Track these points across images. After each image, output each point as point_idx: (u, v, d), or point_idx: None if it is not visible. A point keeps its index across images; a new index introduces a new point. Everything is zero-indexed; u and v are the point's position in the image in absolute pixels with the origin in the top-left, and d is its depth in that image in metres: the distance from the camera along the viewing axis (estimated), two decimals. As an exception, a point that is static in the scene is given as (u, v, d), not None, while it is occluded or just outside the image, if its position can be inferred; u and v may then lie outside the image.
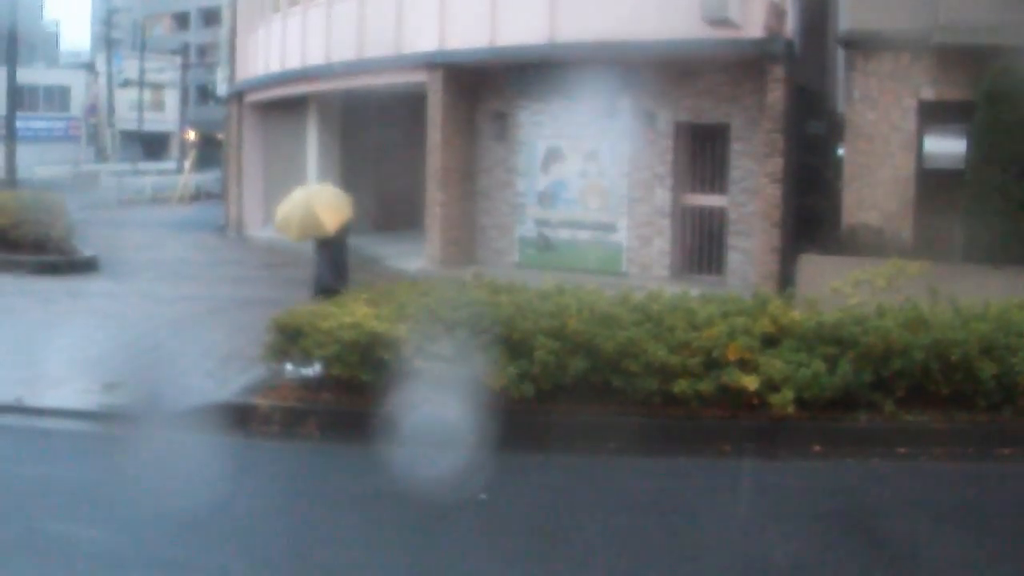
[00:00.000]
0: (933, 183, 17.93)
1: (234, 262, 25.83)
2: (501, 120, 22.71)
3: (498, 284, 11.99)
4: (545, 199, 22.24)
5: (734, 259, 20.01)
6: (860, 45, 18.39)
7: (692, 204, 20.87)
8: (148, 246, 28.92)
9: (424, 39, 22.48)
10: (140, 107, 73.74)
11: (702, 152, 20.79)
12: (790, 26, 19.70)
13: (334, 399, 10.71)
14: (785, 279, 17.30)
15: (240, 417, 10.64)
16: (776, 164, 18.42)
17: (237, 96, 32.24)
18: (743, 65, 19.35)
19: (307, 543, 7.42)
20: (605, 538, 7.60)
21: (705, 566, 7.15)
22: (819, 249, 17.78)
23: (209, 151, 59.48)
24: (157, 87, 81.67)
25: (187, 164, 51.87)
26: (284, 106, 29.98)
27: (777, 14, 19.00)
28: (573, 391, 10.30)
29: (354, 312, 10.89)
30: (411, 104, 24.36)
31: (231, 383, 11.66)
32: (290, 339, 10.90)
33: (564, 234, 22.01)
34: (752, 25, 18.55)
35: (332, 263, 13.83)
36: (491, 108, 22.96)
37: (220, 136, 46.25)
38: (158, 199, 48.72)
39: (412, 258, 23.16)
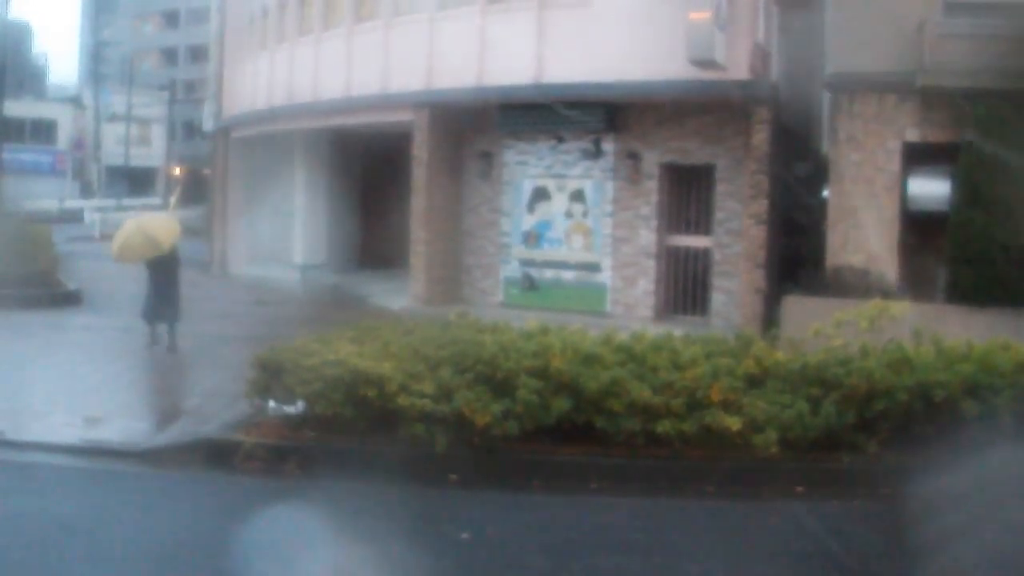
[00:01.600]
0: (917, 225, 17.99)
1: (217, 298, 25.68)
2: (487, 159, 22.74)
3: (482, 323, 12.00)
4: (530, 239, 22.25)
5: (718, 300, 20.03)
6: (845, 87, 18.49)
7: (677, 245, 20.90)
8: (132, 281, 28.53)
9: (411, 78, 22.52)
10: (127, 142, 73.72)
11: (687, 193, 20.83)
12: (774, 68, 19.85)
13: (317, 436, 10.65)
14: (769, 320, 17.32)
15: (222, 453, 10.59)
16: (761, 205, 18.47)
17: (223, 132, 32.25)
18: (728, 107, 19.41)
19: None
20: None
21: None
22: (803, 290, 17.81)
23: (193, 187, 59.41)
24: (144, 122, 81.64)
25: (172, 200, 51.76)
26: (270, 142, 29.99)
27: (762, 56, 19.12)
28: (556, 430, 10.28)
29: (338, 350, 10.87)
30: (398, 142, 24.41)
31: (214, 419, 11.63)
32: (273, 376, 10.87)
33: (549, 274, 22.02)
34: (737, 67, 18.63)
35: (160, 288, 17.00)
36: (477, 147, 23.01)
37: (206, 172, 46.22)
38: (143, 235, 48.51)
39: (396, 296, 23.14)
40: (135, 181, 78.12)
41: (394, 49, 23.48)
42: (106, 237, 45.50)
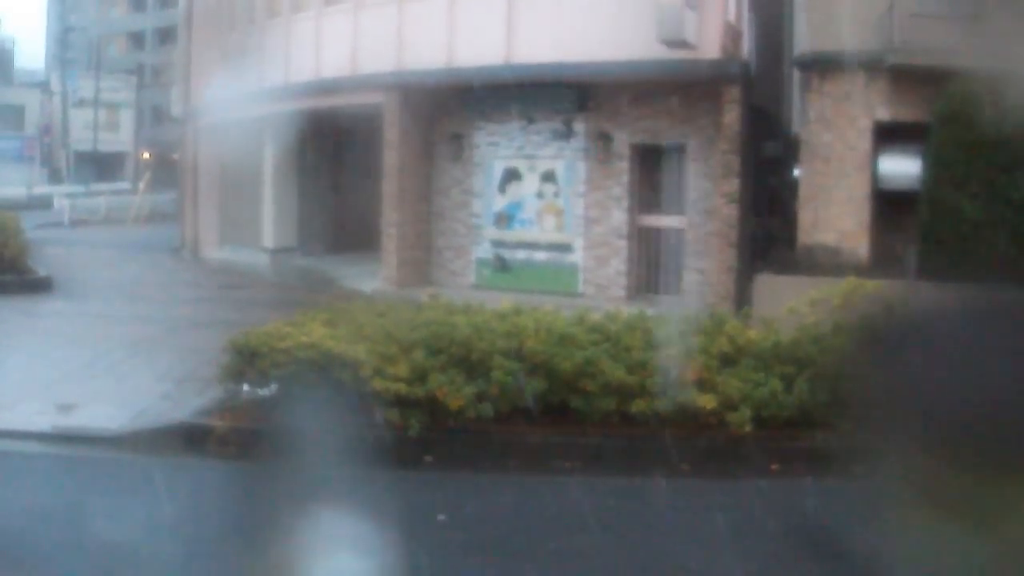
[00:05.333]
0: (889, 203, 18.06)
1: (189, 283, 25.63)
2: (457, 141, 22.67)
3: (454, 305, 11.97)
4: (501, 220, 22.19)
5: (691, 279, 20.03)
6: (815, 66, 18.53)
7: (648, 225, 20.87)
8: (103, 266, 28.65)
9: (381, 60, 22.39)
10: (95, 127, 73.19)
11: (658, 173, 20.80)
12: (745, 47, 19.86)
13: (290, 420, 10.61)
14: (742, 299, 17.33)
15: (196, 438, 10.58)
16: (732, 185, 18.48)
17: (192, 116, 32.03)
18: (699, 86, 19.38)
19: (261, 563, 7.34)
20: (564, 557, 7.58)
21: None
22: (775, 269, 17.84)
23: (163, 172, 59.01)
24: (112, 107, 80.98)
25: (141, 185, 51.41)
26: (240, 126, 29.74)
27: (732, 35, 19.12)
28: (530, 411, 10.28)
29: (311, 332, 10.82)
30: (368, 125, 24.28)
31: (187, 404, 11.60)
32: (246, 360, 10.82)
33: (520, 255, 21.96)
34: (708, 46, 18.61)
35: None
36: (447, 129, 22.91)
37: (175, 157, 45.92)
38: (112, 219, 48.29)
39: (367, 279, 23.06)
40: (104, 166, 77.54)
41: (364, 31, 23.34)
42: (76, 223, 45.41)
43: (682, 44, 18.10)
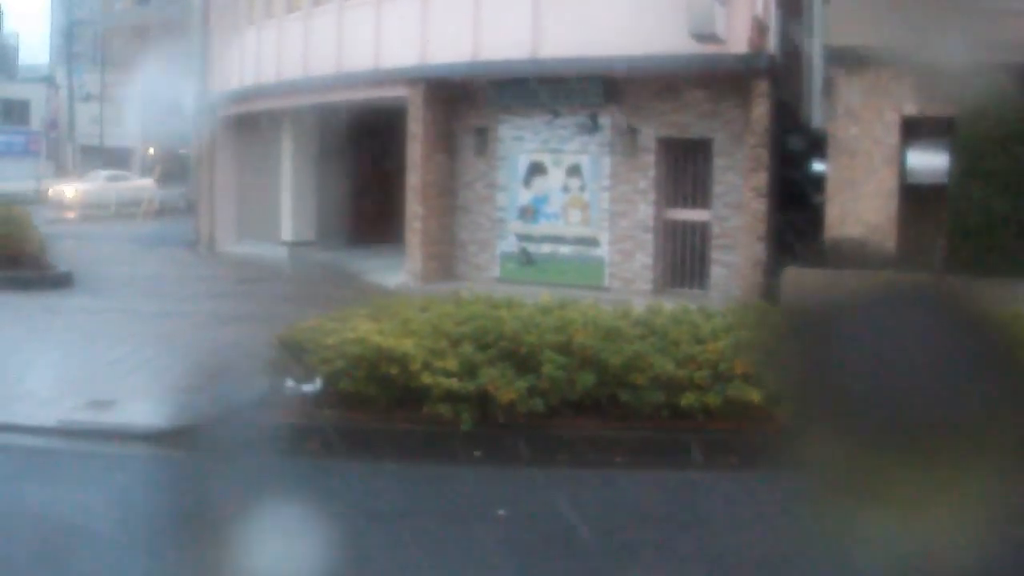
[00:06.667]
0: (916, 197, 18.05)
1: (210, 278, 25.62)
2: (482, 135, 22.68)
3: (496, 299, 11.99)
4: (527, 214, 22.21)
5: (717, 273, 20.04)
6: (842, 60, 18.51)
7: (674, 218, 20.89)
8: (120, 261, 28.61)
9: (404, 53, 22.41)
10: (101, 122, 73.08)
11: (685, 167, 20.82)
12: (771, 41, 19.85)
13: (337, 415, 10.61)
14: (769, 292, 17.35)
15: (244, 434, 10.52)
16: (761, 178, 18.51)
17: (209, 109, 31.99)
18: (726, 80, 19.41)
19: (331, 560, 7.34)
20: (637, 550, 7.61)
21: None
22: (802, 263, 17.83)
23: (170, 166, 58.88)
24: (117, 101, 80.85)
25: (152, 179, 51.40)
26: (258, 120, 29.80)
27: (760, 29, 19.11)
28: (578, 405, 10.32)
29: (356, 327, 10.83)
30: (387, 118, 24.31)
31: (229, 400, 11.52)
32: (294, 355, 10.83)
33: (545, 248, 21.98)
34: (736, 40, 18.61)
35: None
36: (472, 122, 22.92)
37: (181, 151, 45.88)
38: (122, 214, 48.33)
39: (389, 273, 23.09)
40: (109, 161, 77.47)
41: (386, 24, 23.36)
42: (87, 218, 45.45)
43: (712, 38, 18.11)
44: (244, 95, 29.28)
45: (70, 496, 8.84)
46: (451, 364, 10.21)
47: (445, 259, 22.96)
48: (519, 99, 21.83)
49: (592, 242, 21.36)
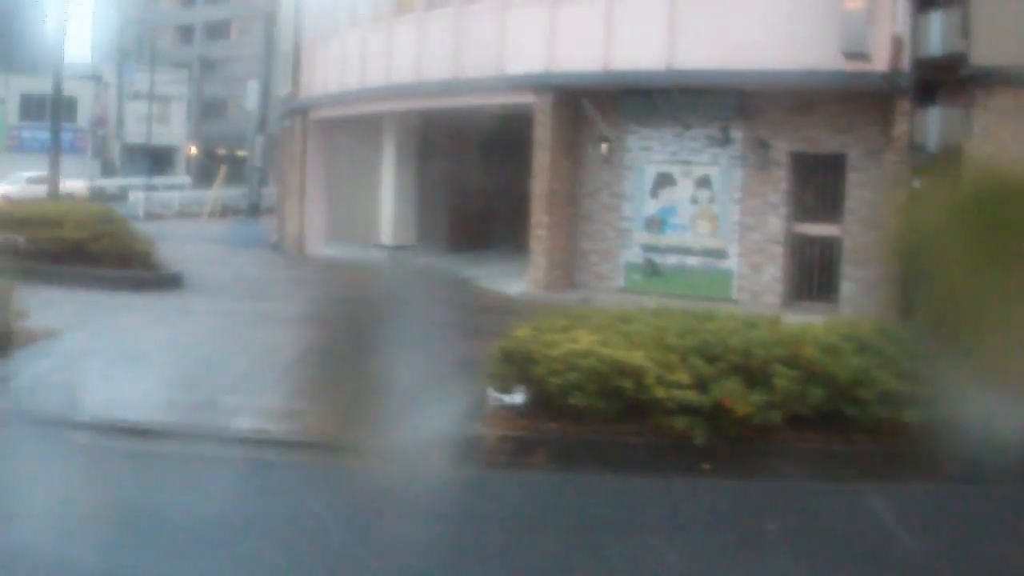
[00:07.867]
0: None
1: (314, 281, 25.40)
2: (609, 144, 22.69)
3: (698, 312, 11.96)
4: (653, 224, 22.26)
5: (847, 288, 20.04)
6: (980, 81, 18.52)
7: (805, 233, 20.93)
8: (213, 262, 28.27)
9: (530, 60, 22.46)
10: (149, 120, 73.31)
11: (816, 181, 20.85)
12: (907, 59, 19.87)
13: (559, 428, 10.55)
14: (906, 309, 17.32)
15: (462, 448, 10.32)
16: (902, 195, 18.50)
17: (301, 112, 32.07)
18: (861, 96, 19.44)
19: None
20: (917, 562, 7.68)
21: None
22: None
23: (211, 166, 59.00)
24: (163, 100, 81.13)
25: (217, 179, 51.71)
26: (354, 123, 29.83)
27: (899, 47, 19.13)
28: (802, 419, 10.32)
29: (577, 339, 10.78)
30: (493, 124, 24.32)
31: (439, 411, 11.31)
32: (518, 367, 10.77)
33: (672, 260, 22.03)
34: (878, 58, 18.65)
35: None
36: (598, 132, 22.93)
37: (221, 151, 46.02)
38: (185, 214, 48.53)
39: (507, 280, 23.12)
40: (155, 159, 77.69)
41: (509, 30, 23.39)
42: (151, 216, 45.50)
43: (863, 56, 18.14)
44: (343, 99, 29.29)
45: (307, 507, 8.75)
46: (683, 377, 10.19)
47: (567, 268, 22.99)
48: (649, 110, 21.88)
49: (721, 254, 21.40)
